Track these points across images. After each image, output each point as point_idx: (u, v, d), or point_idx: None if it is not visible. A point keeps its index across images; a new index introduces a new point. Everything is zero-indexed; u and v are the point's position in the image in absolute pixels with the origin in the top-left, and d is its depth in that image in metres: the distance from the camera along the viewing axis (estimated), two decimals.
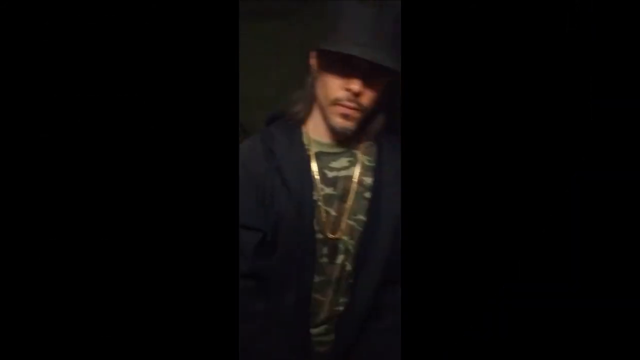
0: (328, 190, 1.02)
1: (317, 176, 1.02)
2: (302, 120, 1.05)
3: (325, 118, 1.00)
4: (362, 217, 1.01)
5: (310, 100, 1.03)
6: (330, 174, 1.02)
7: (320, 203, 1.01)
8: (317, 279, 1.01)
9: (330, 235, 1.01)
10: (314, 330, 1.03)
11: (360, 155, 1.04)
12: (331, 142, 1.04)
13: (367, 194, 1.02)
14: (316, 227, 1.00)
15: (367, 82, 0.96)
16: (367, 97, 0.97)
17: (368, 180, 1.03)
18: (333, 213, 1.01)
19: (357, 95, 0.95)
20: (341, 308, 1.02)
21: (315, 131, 1.04)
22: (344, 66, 0.95)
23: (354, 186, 1.02)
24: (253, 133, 1.09)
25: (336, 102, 0.97)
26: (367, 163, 1.04)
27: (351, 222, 1.01)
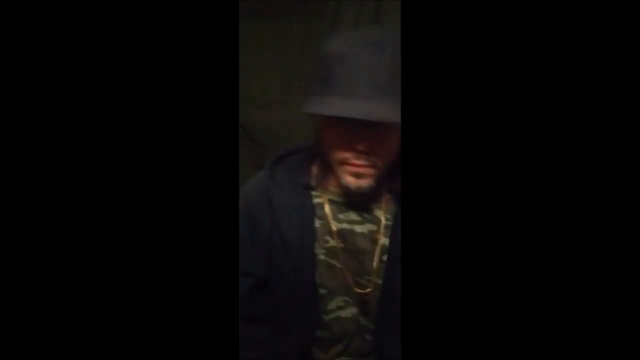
0: (333, 243, 0.93)
1: (321, 227, 0.93)
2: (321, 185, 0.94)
3: (338, 177, 0.89)
4: (377, 280, 0.92)
5: (323, 163, 0.92)
6: (338, 226, 0.93)
7: (325, 258, 0.93)
8: (319, 333, 0.93)
9: (356, 289, 0.92)
10: None
11: (375, 209, 0.93)
12: (345, 195, 0.93)
13: (384, 257, 0.92)
14: (318, 281, 0.92)
15: (377, 137, 0.85)
16: (381, 153, 0.86)
17: (384, 240, 0.92)
18: (338, 269, 0.92)
19: (366, 153, 0.85)
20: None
21: (336, 185, 0.93)
22: (346, 123, 0.83)
23: (367, 244, 0.93)
24: (253, 133, 1.08)
25: (344, 162, 0.87)
26: (385, 222, 0.93)
27: (364, 282, 0.92)
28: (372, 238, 0.93)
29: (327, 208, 0.93)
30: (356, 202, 0.93)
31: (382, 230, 0.93)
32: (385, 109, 0.80)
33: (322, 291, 0.93)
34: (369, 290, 0.92)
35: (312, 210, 0.93)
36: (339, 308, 0.94)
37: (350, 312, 0.93)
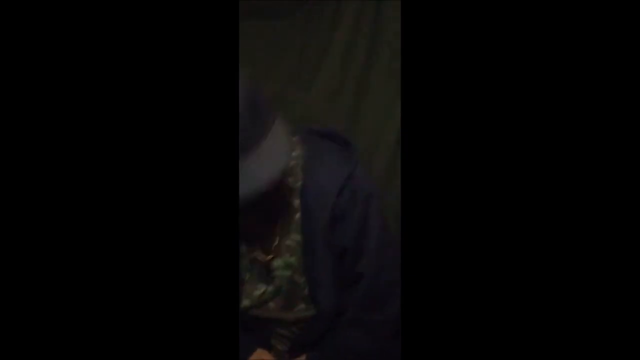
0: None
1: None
2: None
3: None
4: (296, 237, 1.05)
5: None
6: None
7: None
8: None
9: (261, 258, 1.05)
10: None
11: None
12: None
13: (296, 216, 1.03)
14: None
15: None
16: None
17: (295, 201, 1.03)
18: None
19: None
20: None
21: None
22: None
23: (278, 209, 1.04)
24: None
25: None
26: (291, 185, 1.03)
27: (288, 243, 1.04)
28: (282, 202, 1.03)
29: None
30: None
31: (288, 193, 1.03)
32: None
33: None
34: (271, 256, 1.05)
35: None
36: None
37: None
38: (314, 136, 1.09)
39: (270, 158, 0.90)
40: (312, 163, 1.03)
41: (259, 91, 0.91)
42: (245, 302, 1.06)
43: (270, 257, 1.05)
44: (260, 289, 1.07)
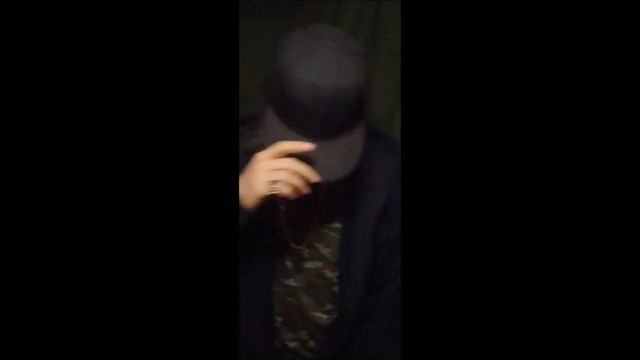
0: (288, 281, 1.01)
1: (278, 264, 1.00)
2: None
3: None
4: (330, 306, 1.01)
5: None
6: (290, 265, 1.00)
7: (280, 289, 1.01)
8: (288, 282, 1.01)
9: (293, 245, 0.99)
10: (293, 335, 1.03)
11: (321, 248, 1.00)
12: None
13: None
14: (276, 315, 1.01)
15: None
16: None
17: (330, 274, 1.00)
18: (294, 304, 1.01)
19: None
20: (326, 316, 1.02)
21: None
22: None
23: (316, 280, 1.00)
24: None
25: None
26: (329, 257, 1.00)
27: (315, 317, 1.01)
28: (318, 274, 1.00)
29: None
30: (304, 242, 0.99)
31: (327, 265, 1.00)
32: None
33: (279, 319, 1.02)
34: (327, 317, 1.01)
35: (270, 250, 0.99)
36: (303, 341, 1.04)
37: (312, 344, 1.02)
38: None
39: (349, 155, 0.87)
40: (366, 151, 0.97)
41: (365, 86, 0.87)
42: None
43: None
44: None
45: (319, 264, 1.00)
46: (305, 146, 0.83)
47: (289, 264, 1.00)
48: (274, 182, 0.83)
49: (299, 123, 0.84)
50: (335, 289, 1.00)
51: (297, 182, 0.83)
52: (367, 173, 0.97)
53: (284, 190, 0.83)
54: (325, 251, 1.00)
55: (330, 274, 1.00)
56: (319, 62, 0.82)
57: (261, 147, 0.86)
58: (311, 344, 1.03)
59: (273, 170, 0.83)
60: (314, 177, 0.83)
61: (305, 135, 0.83)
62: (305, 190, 0.84)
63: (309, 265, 1.00)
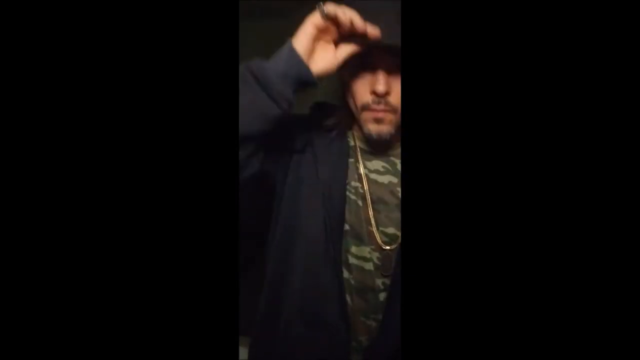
0: (359, 187, 0.96)
1: (351, 167, 0.96)
2: (344, 130, 0.99)
3: (361, 127, 0.94)
4: (393, 230, 0.95)
5: (346, 113, 0.97)
6: (364, 172, 0.96)
7: (352, 197, 0.95)
8: (346, 275, 0.95)
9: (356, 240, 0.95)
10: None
11: (399, 163, 0.97)
12: (370, 144, 0.98)
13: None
14: (345, 220, 0.94)
15: (395, 79, 0.89)
16: (399, 96, 0.89)
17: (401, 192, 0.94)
18: (361, 214, 0.95)
19: (385, 95, 0.89)
20: (372, 324, 0.95)
21: (357, 130, 0.98)
22: (364, 64, 0.89)
23: (386, 195, 0.96)
24: None
25: (365, 108, 0.91)
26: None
27: (378, 233, 0.95)
28: (391, 190, 0.96)
29: (357, 152, 0.98)
30: (380, 152, 0.97)
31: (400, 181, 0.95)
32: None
33: (347, 227, 0.95)
34: (393, 246, 0.94)
35: (347, 150, 0.97)
36: (364, 259, 0.96)
37: (370, 266, 0.95)
38: None
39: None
40: None
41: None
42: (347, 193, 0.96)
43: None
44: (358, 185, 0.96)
45: (394, 179, 0.97)
46: (373, 31, 0.83)
47: (352, 260, 0.95)
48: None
49: None
50: (382, 298, 0.93)
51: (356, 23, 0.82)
52: None
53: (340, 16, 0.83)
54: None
55: (378, 282, 0.94)
56: None
57: None
58: (370, 265, 0.95)
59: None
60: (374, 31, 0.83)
61: None
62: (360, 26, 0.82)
63: (382, 179, 0.97)
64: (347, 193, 0.96)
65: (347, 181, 0.96)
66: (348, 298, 0.95)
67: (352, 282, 0.95)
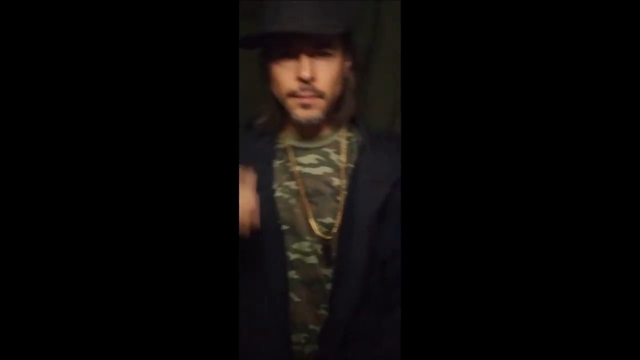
0: (292, 185, 0.97)
1: (280, 167, 0.97)
2: (277, 130, 0.99)
3: (289, 113, 0.94)
4: (330, 220, 0.96)
5: (274, 105, 0.97)
6: (296, 169, 0.97)
7: (285, 196, 0.96)
8: (291, 274, 0.96)
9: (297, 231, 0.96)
10: (292, 337, 0.97)
11: (332, 153, 0.99)
12: (302, 137, 0.99)
13: (337, 197, 0.96)
14: (280, 221, 0.95)
15: (320, 64, 0.90)
16: (325, 82, 0.91)
17: (336, 181, 0.97)
18: (297, 210, 0.96)
19: (310, 81, 0.89)
20: (324, 313, 0.97)
21: (289, 129, 0.99)
22: (288, 52, 0.90)
23: (322, 186, 0.97)
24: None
25: (292, 95, 0.92)
26: (338, 163, 0.98)
27: (316, 225, 0.96)
28: (326, 180, 0.97)
29: (288, 151, 0.98)
30: (313, 142, 0.98)
31: (337, 172, 0.97)
32: (325, 23, 0.86)
33: (284, 227, 0.96)
34: (332, 237, 0.96)
35: (271, 153, 0.98)
36: (304, 253, 0.97)
37: (313, 259, 0.97)
38: (374, 132, 1.04)
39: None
40: (369, 149, 0.98)
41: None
42: (279, 193, 0.97)
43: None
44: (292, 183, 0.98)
45: (328, 169, 0.98)
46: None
47: (295, 255, 0.97)
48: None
49: None
50: (328, 288, 0.96)
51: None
52: (371, 162, 0.97)
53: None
54: (336, 157, 0.98)
55: (338, 182, 0.97)
56: None
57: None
58: (313, 258, 0.98)
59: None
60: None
61: None
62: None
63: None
64: (280, 194, 0.97)
65: (278, 183, 0.97)
66: (295, 295, 0.96)
67: (298, 277, 0.97)
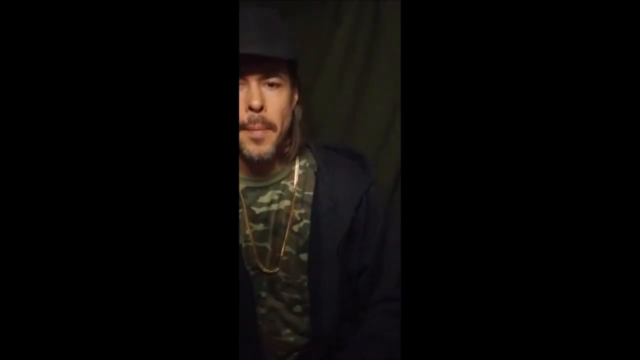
0: (258, 227, 0.97)
1: (246, 213, 0.97)
2: None
3: (240, 150, 0.92)
4: (292, 251, 0.97)
5: None
6: (259, 210, 0.97)
7: (251, 241, 0.97)
8: (261, 311, 0.98)
9: (266, 270, 0.97)
10: None
11: (289, 185, 0.99)
12: (255, 175, 0.98)
13: (295, 228, 0.97)
14: (248, 265, 0.96)
15: (269, 94, 0.89)
16: (274, 112, 0.90)
17: (297, 212, 0.97)
18: (269, 248, 0.97)
19: (259, 110, 0.88)
20: (300, 342, 1.00)
21: (241, 168, 0.97)
22: (241, 81, 0.88)
23: (284, 220, 0.98)
24: None
25: (242, 128, 0.89)
26: (297, 195, 0.98)
27: (285, 257, 0.97)
28: (287, 213, 0.98)
29: (244, 197, 0.97)
30: (267, 180, 0.97)
31: (293, 203, 0.97)
32: (273, 47, 0.86)
33: (252, 273, 0.98)
34: (276, 270, 0.98)
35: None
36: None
37: (282, 293, 0.99)
38: (330, 150, 1.04)
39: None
40: (326, 173, 0.98)
41: None
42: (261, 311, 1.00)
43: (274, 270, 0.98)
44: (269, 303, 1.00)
45: (288, 202, 0.98)
46: None
47: (262, 293, 0.99)
48: None
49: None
50: (304, 316, 0.99)
51: None
52: (330, 189, 0.97)
53: None
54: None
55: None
56: None
57: None
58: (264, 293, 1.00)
59: None
60: None
61: None
62: None
63: (277, 206, 0.98)
64: (239, 243, 0.96)
65: (242, 237, 0.96)
66: (273, 300, 0.99)
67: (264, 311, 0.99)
